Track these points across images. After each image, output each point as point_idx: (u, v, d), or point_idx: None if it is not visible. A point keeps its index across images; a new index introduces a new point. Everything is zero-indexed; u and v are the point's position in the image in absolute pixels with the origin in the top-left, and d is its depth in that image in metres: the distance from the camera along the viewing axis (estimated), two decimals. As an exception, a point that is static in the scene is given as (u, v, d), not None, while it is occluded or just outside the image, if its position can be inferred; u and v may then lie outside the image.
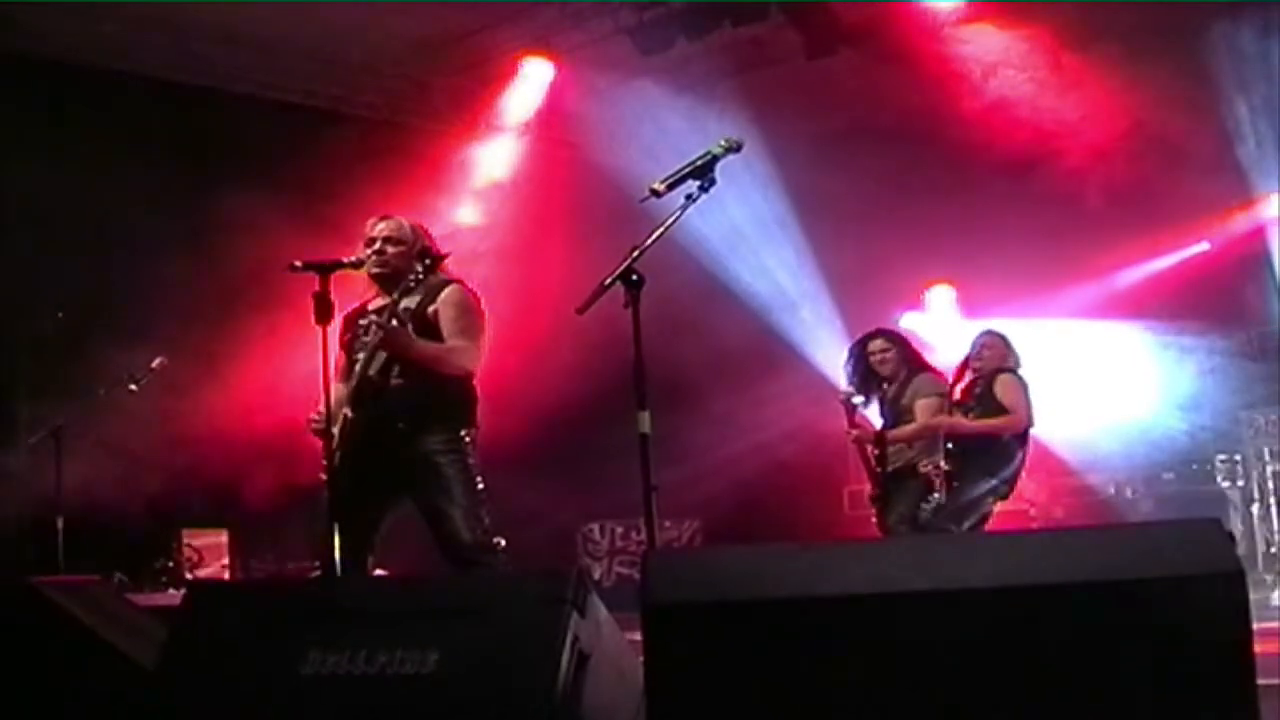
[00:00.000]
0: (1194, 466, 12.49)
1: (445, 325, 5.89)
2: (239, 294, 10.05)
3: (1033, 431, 8.38)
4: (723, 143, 5.18)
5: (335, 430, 5.78)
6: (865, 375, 8.51)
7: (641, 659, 3.43)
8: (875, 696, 3.26)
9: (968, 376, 8.52)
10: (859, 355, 8.60)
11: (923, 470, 8.07)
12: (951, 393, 8.42)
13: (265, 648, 3.89)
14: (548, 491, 11.58)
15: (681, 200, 5.05)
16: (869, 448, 8.40)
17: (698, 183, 5.06)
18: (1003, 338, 8.60)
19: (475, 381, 6.00)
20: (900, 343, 8.65)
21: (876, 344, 8.56)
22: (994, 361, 8.39)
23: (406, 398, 5.80)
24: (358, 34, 11.79)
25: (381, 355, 5.81)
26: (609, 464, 8.20)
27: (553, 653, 3.53)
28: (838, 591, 3.33)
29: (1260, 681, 3.31)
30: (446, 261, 6.07)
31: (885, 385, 8.47)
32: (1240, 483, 12.06)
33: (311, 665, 3.76)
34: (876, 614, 3.29)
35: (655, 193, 5.02)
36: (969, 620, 3.26)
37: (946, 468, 8.07)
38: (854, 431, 8.48)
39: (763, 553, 3.60)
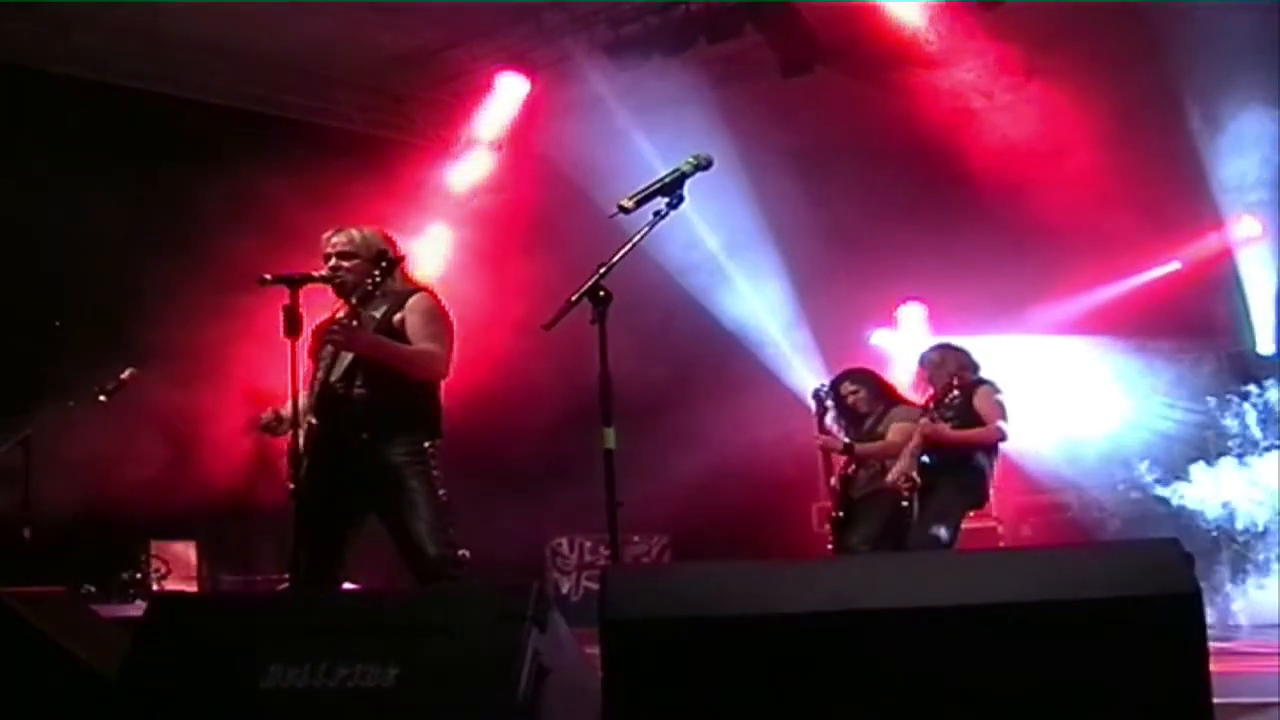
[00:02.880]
0: (1161, 485, 12.53)
1: (413, 331, 5.86)
2: (210, 305, 10.00)
3: (1001, 446, 8.43)
4: (692, 160, 5.20)
5: (301, 440, 5.74)
6: (846, 415, 8.67)
7: (600, 674, 3.44)
8: (833, 714, 3.27)
9: (925, 386, 8.56)
10: (837, 398, 8.74)
11: (891, 480, 8.09)
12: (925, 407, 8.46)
13: (227, 660, 3.88)
14: (517, 505, 11.56)
15: (650, 217, 5.07)
16: (835, 458, 8.47)
17: (666, 200, 5.07)
18: (952, 348, 8.65)
19: (440, 391, 5.98)
20: (868, 379, 8.80)
21: (845, 386, 8.75)
22: (955, 370, 8.40)
23: (369, 407, 5.77)
24: (334, 47, 11.79)
25: (344, 362, 5.77)
26: (579, 479, 8.19)
27: (512, 668, 3.53)
28: (797, 609, 3.34)
29: (1260, 700, 3.35)
30: (412, 270, 6.07)
31: (865, 422, 8.62)
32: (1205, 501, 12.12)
33: (272, 678, 3.76)
34: (835, 632, 3.30)
35: (624, 209, 5.04)
36: (927, 639, 3.28)
37: (918, 480, 8.09)
38: (821, 437, 8.53)
39: (722, 570, 3.61)
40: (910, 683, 3.27)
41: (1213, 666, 3.30)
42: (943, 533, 8.03)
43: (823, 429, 8.61)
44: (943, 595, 3.34)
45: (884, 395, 8.70)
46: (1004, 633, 3.28)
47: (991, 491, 8.52)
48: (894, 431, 8.39)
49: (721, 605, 3.37)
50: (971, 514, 8.44)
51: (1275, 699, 5.40)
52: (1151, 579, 3.34)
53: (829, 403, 8.71)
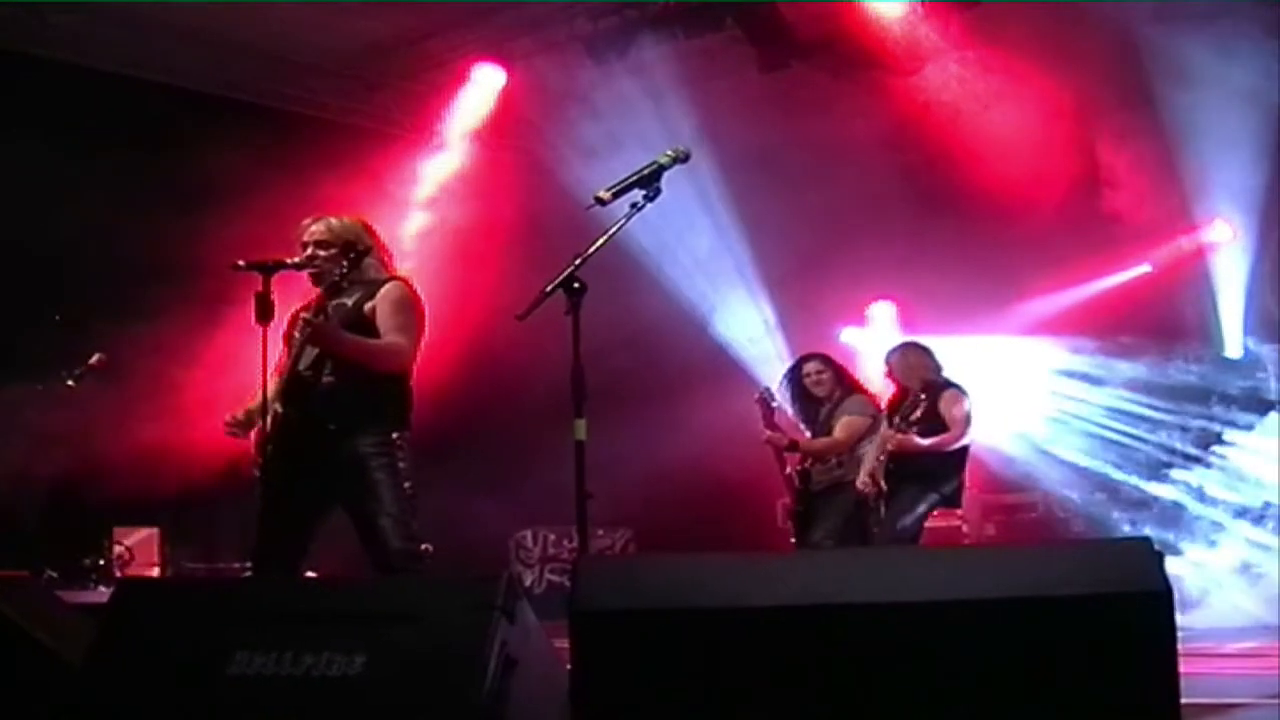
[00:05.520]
0: (1126, 487, 12.59)
1: (381, 321, 5.82)
2: (180, 291, 9.96)
3: (970, 446, 8.46)
4: (670, 152, 5.17)
5: (267, 426, 5.71)
6: (802, 398, 8.63)
7: (568, 666, 3.43)
8: (801, 708, 3.26)
9: (890, 389, 8.60)
10: (794, 378, 8.69)
11: (860, 484, 8.10)
12: (888, 408, 8.46)
13: (192, 647, 3.85)
14: (481, 497, 11.54)
15: (627, 209, 5.04)
16: (785, 455, 8.45)
17: (643, 192, 5.04)
18: (917, 347, 8.66)
19: (410, 382, 5.95)
20: (834, 365, 8.73)
21: (811, 366, 8.67)
22: (912, 368, 8.42)
23: (337, 397, 5.73)
24: (310, 34, 11.74)
25: (313, 351, 5.74)
26: (543, 471, 8.17)
27: (480, 658, 3.51)
28: (769, 602, 3.33)
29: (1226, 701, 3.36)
30: (393, 260, 6.05)
31: (821, 408, 8.57)
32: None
33: (238, 666, 3.73)
34: (808, 626, 3.29)
35: (600, 200, 5.01)
36: (899, 634, 3.27)
37: (884, 486, 8.11)
38: (768, 434, 8.49)
39: (693, 562, 3.59)
40: (881, 678, 3.27)
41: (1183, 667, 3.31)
42: (907, 533, 8.07)
43: (770, 428, 8.57)
44: (915, 591, 3.33)
45: (844, 383, 8.66)
46: (976, 629, 3.28)
47: (964, 493, 8.54)
48: (840, 427, 8.36)
49: (693, 598, 3.36)
50: (936, 512, 8.47)
51: (1241, 700, 5.44)
52: (1123, 577, 3.34)
53: (775, 402, 8.69)
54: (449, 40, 12.18)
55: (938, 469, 8.23)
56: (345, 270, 5.71)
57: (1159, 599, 3.29)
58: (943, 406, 8.25)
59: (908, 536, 8.03)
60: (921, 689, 3.26)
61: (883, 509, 8.12)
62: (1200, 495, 12.17)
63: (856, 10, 10.83)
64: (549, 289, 4.79)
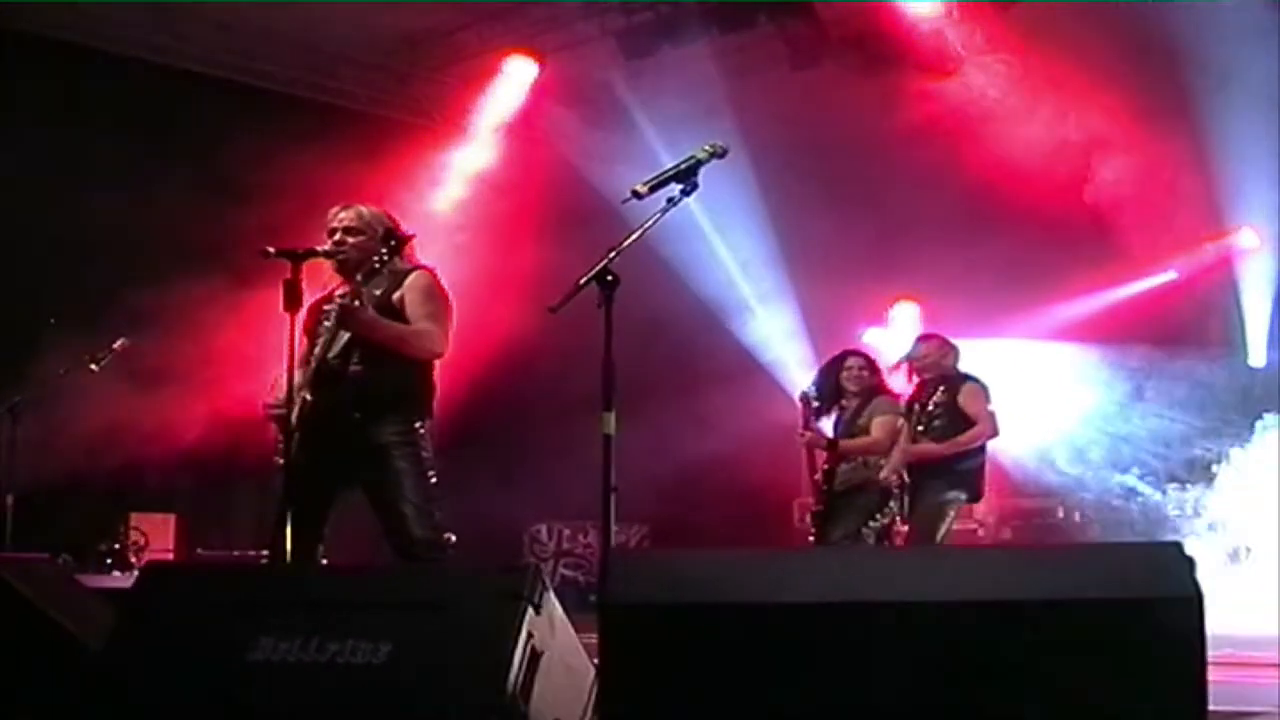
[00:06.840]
0: (1144, 492, 12.54)
1: (411, 309, 5.82)
2: (205, 278, 9.97)
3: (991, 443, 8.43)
4: (707, 147, 5.11)
5: (293, 414, 5.70)
6: (832, 388, 8.57)
7: (591, 659, 3.41)
8: (829, 706, 3.24)
9: (914, 380, 8.56)
10: (833, 368, 8.64)
11: (882, 479, 8.06)
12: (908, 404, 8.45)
13: (215, 632, 3.85)
14: (496, 490, 11.52)
15: (663, 203, 5.01)
16: (818, 453, 8.40)
17: (680, 186, 5.01)
18: (937, 339, 8.64)
19: (434, 372, 5.94)
20: (873, 367, 8.71)
21: (854, 361, 8.61)
22: (936, 360, 8.40)
23: (363, 386, 5.72)
24: (342, 24, 11.76)
25: (341, 339, 5.73)
26: (558, 464, 8.16)
27: (506, 649, 3.51)
28: (797, 599, 3.31)
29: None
30: (415, 251, 6.04)
31: (845, 403, 8.53)
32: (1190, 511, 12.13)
33: (261, 651, 3.73)
34: (838, 623, 3.27)
35: (637, 194, 4.95)
36: (927, 633, 3.26)
37: (907, 478, 8.08)
38: (806, 434, 8.45)
39: (724, 557, 3.59)
40: (909, 676, 3.25)
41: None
42: (933, 527, 8.04)
43: (808, 428, 8.53)
44: (945, 590, 3.32)
45: (875, 385, 8.64)
46: (1005, 629, 3.27)
47: (986, 486, 8.50)
48: (877, 427, 8.31)
49: (724, 592, 3.34)
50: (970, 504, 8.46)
51: (1262, 709, 5.41)
52: (1153, 581, 3.33)
53: (817, 403, 8.64)
54: (480, 33, 12.20)
55: (961, 464, 8.19)
56: (386, 257, 5.71)
57: (1189, 603, 3.27)
58: (963, 401, 8.21)
59: (935, 532, 8.00)
60: (948, 688, 3.25)
61: (906, 502, 8.10)
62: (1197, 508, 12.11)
63: (891, 10, 10.82)
64: (583, 281, 4.74)
